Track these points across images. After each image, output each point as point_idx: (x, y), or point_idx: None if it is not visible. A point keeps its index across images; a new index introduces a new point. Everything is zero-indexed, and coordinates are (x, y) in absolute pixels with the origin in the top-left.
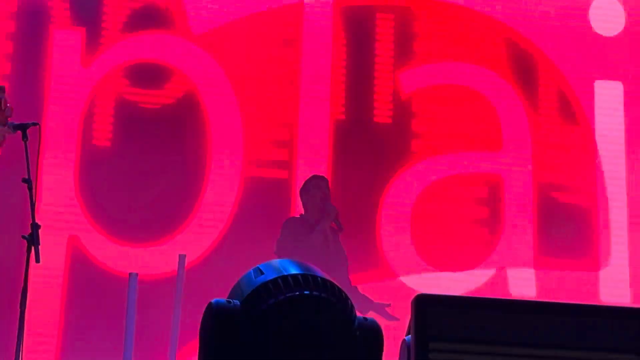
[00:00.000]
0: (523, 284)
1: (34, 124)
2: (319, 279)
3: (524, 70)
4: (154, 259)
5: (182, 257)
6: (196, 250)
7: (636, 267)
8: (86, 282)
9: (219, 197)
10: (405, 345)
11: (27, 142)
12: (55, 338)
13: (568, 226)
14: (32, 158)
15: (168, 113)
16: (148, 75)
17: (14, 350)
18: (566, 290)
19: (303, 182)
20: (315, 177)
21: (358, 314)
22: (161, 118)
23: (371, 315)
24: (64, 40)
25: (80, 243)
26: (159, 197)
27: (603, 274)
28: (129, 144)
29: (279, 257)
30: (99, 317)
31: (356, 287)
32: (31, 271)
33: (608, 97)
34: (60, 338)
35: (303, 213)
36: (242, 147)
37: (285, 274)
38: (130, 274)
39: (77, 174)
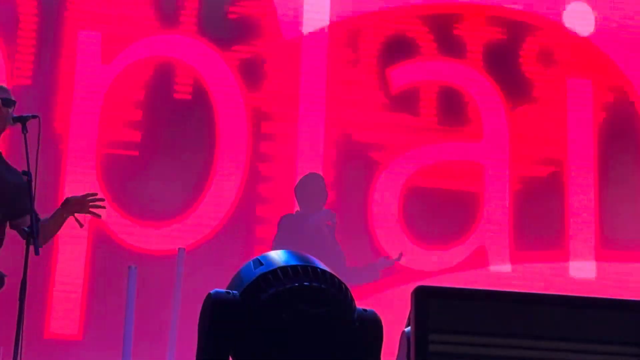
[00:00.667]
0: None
1: (34, 117)
2: (319, 270)
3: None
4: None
5: (181, 251)
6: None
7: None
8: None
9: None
10: (405, 336)
11: (27, 135)
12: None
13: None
14: (31, 151)
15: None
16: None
17: (14, 343)
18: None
19: (299, 180)
20: (311, 174)
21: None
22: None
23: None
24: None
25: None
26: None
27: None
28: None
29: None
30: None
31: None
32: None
33: (579, 93)
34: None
35: (299, 209)
36: (246, 144)
37: (285, 265)
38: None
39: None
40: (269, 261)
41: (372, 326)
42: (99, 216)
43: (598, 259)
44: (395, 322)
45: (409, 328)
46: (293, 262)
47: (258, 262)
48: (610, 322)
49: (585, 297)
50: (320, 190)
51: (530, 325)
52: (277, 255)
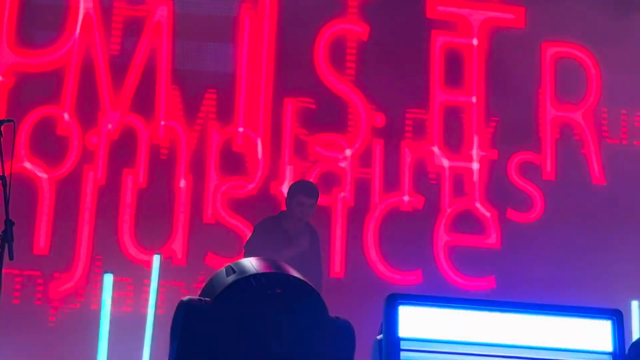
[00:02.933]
0: None
1: (9, 121)
2: (291, 277)
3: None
4: None
5: (157, 257)
6: None
7: None
8: None
9: None
10: (377, 343)
11: (2, 139)
12: None
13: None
14: (6, 155)
15: None
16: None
17: None
18: None
19: (295, 182)
20: (303, 189)
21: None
22: None
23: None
24: None
25: None
26: None
27: None
28: None
29: (246, 255)
30: None
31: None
32: None
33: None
34: None
35: (282, 212)
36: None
37: (257, 272)
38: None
39: None
40: (242, 268)
41: (344, 333)
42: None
43: None
44: (370, 331)
45: (381, 335)
46: (266, 270)
47: (231, 270)
48: (583, 329)
49: (560, 306)
50: (304, 214)
51: (504, 332)
52: (250, 263)
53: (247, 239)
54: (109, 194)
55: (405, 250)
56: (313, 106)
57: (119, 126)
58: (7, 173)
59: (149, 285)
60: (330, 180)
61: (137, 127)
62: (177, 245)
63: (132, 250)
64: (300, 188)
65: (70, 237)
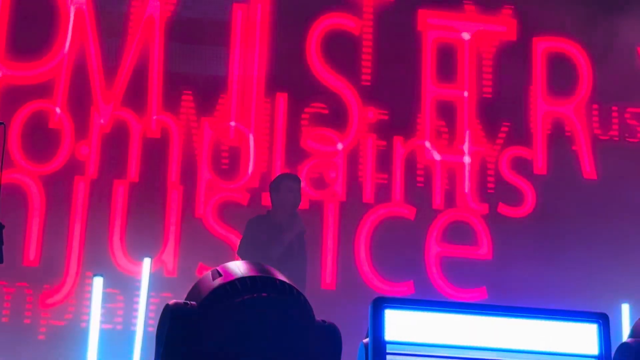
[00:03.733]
0: None
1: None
2: (277, 281)
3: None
4: None
5: (147, 260)
6: None
7: None
8: None
9: None
10: (363, 347)
11: None
12: None
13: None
14: None
15: None
16: None
17: None
18: None
19: (274, 178)
20: (288, 176)
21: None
22: None
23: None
24: None
25: None
26: None
27: None
28: None
29: (241, 257)
30: None
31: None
32: None
33: None
34: None
35: (270, 209)
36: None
37: (243, 276)
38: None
39: None
40: (228, 272)
41: (330, 337)
42: None
43: None
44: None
45: (367, 339)
46: (251, 273)
47: (217, 273)
48: (570, 332)
49: (547, 309)
50: (296, 200)
51: (490, 336)
52: (236, 266)
53: (240, 239)
54: (100, 203)
55: (396, 261)
56: (306, 101)
57: (111, 120)
58: None
59: (139, 297)
60: (323, 174)
61: (130, 121)
62: (168, 255)
63: (122, 261)
64: (284, 177)
65: (60, 248)
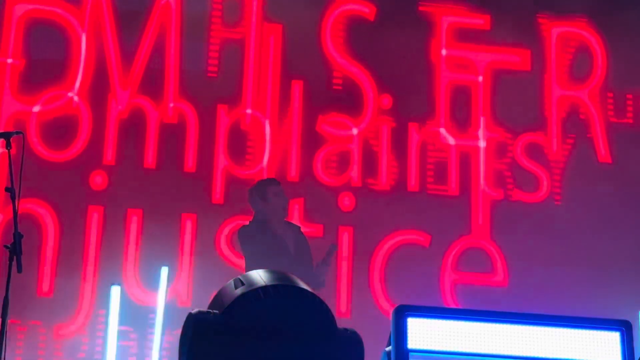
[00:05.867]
0: None
1: (18, 133)
2: (299, 289)
3: None
4: None
5: (163, 270)
6: None
7: None
8: None
9: None
10: (385, 355)
11: (11, 151)
12: None
13: None
14: (15, 167)
15: None
16: None
17: None
18: None
19: (256, 184)
20: (269, 181)
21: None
22: None
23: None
24: None
25: None
26: None
27: None
28: None
29: (250, 266)
30: None
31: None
32: None
33: None
34: None
35: (252, 219)
36: None
37: (265, 284)
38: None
39: None
40: (250, 281)
41: (352, 345)
42: None
43: None
44: (377, 343)
45: (389, 347)
46: (273, 282)
47: (239, 282)
48: (591, 340)
49: (568, 317)
50: (286, 204)
51: (513, 344)
52: (258, 275)
53: (244, 248)
54: (114, 231)
55: (411, 289)
56: (322, 87)
57: (128, 107)
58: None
59: (153, 334)
60: (340, 160)
61: (146, 108)
62: (182, 285)
63: (136, 291)
64: (266, 183)
65: (75, 278)
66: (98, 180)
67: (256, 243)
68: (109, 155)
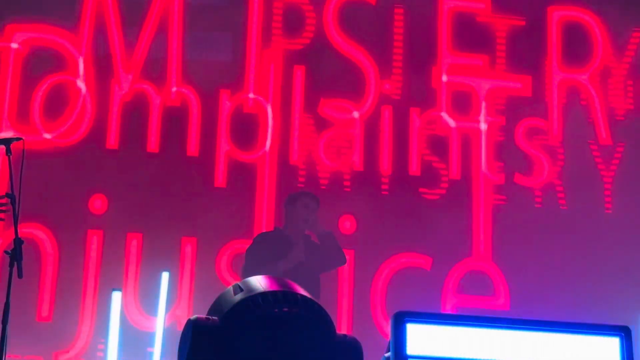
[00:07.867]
0: None
1: (18, 139)
2: (298, 296)
3: None
4: None
5: (165, 274)
6: None
7: None
8: None
9: None
10: None
11: (11, 157)
12: None
13: None
14: (15, 173)
15: None
16: None
17: None
18: None
19: (290, 195)
20: (306, 194)
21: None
22: None
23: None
24: None
25: None
26: None
27: None
28: None
29: (244, 274)
30: None
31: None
32: None
33: None
34: None
35: (282, 226)
36: None
37: (264, 290)
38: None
39: None
40: (249, 287)
41: (352, 352)
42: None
43: None
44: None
45: (389, 353)
46: (273, 288)
47: (238, 288)
48: (590, 345)
49: (567, 322)
50: (308, 217)
51: (512, 349)
52: (257, 281)
53: (248, 248)
54: (114, 254)
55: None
56: (323, 71)
57: (131, 91)
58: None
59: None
60: (340, 145)
61: (149, 93)
62: (182, 310)
63: (136, 317)
64: (304, 193)
65: (73, 302)
66: (97, 204)
67: (261, 245)
68: (112, 139)
